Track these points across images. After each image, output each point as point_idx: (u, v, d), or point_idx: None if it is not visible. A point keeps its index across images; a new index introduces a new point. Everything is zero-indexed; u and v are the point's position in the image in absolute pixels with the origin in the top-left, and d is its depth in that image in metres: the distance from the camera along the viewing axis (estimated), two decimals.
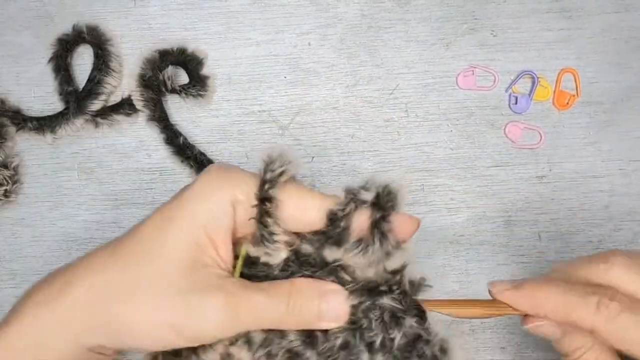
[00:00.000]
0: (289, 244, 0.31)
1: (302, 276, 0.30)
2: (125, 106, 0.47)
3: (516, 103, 0.45)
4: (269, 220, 0.30)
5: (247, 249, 0.31)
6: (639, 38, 0.45)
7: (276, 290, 0.30)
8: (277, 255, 0.30)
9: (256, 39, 0.47)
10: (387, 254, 0.29)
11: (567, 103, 0.45)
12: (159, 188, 0.47)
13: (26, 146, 0.48)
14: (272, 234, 0.30)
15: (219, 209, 0.30)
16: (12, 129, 0.47)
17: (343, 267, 0.30)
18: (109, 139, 0.47)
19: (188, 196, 0.30)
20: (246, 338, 0.30)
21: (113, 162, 0.47)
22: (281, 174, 0.29)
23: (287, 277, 0.31)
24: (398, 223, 0.29)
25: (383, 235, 0.29)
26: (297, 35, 0.47)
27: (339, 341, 0.30)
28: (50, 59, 0.47)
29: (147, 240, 0.30)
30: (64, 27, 0.48)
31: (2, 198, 0.46)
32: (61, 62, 0.47)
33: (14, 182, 0.47)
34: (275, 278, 0.31)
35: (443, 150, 0.45)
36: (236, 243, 0.32)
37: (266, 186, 0.29)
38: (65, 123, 0.46)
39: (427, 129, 0.46)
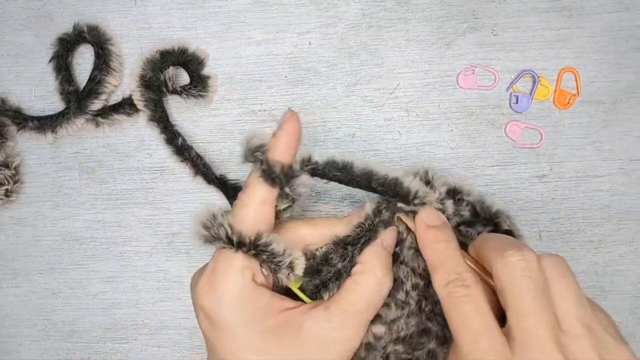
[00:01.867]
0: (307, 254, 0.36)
1: (364, 244, 0.36)
2: (126, 106, 0.47)
3: (517, 102, 0.45)
4: (266, 255, 0.34)
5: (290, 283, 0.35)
6: (639, 37, 0.45)
7: (363, 284, 0.34)
8: (299, 266, 0.34)
9: (257, 38, 0.47)
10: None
11: (568, 102, 0.45)
12: (160, 187, 0.47)
13: (27, 146, 0.48)
14: (276, 260, 0.34)
15: (251, 302, 0.33)
16: (13, 129, 0.47)
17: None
18: (110, 138, 0.47)
19: (227, 329, 0.32)
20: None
21: (114, 161, 0.47)
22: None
23: (350, 262, 0.36)
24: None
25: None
26: (297, 34, 0.47)
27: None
28: (51, 59, 0.47)
29: None
30: (64, 26, 0.48)
31: (3, 197, 0.46)
32: (62, 61, 0.47)
33: (15, 182, 0.47)
34: (341, 270, 0.36)
35: (443, 149, 0.46)
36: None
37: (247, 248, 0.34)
38: (66, 123, 0.46)
39: (428, 128, 0.46)
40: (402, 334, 0.35)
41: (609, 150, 0.45)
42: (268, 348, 0.32)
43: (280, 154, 0.34)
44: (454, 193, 0.37)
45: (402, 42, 0.46)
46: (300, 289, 0.36)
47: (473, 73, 0.46)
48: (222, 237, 0.33)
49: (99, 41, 0.47)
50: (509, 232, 0.37)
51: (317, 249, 0.36)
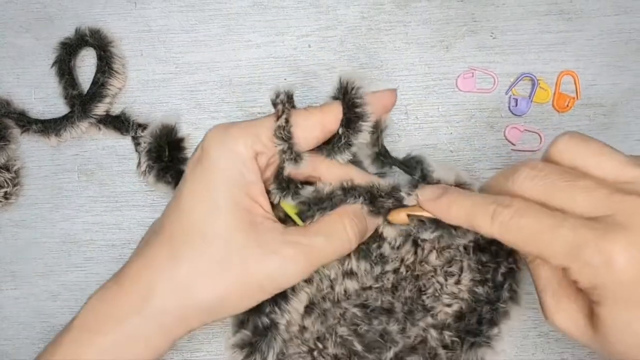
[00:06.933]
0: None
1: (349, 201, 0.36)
2: (122, 122, 0.47)
3: (516, 105, 0.45)
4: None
5: (285, 204, 0.37)
6: (639, 40, 0.45)
7: (330, 228, 0.35)
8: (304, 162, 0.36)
9: (256, 41, 0.47)
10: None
11: (567, 105, 0.45)
12: (159, 190, 0.47)
13: (27, 148, 0.48)
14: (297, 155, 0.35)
15: (245, 168, 0.34)
16: (16, 131, 0.47)
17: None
18: (110, 140, 0.47)
19: (211, 169, 0.34)
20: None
21: (113, 163, 0.47)
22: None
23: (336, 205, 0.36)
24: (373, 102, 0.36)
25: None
26: (297, 37, 0.47)
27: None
28: (54, 63, 0.47)
29: (197, 227, 0.33)
30: (65, 29, 0.48)
31: (2, 200, 0.46)
32: (65, 66, 0.47)
33: (15, 185, 0.47)
34: (326, 208, 0.36)
35: (443, 152, 0.46)
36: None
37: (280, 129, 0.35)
38: (70, 126, 0.46)
39: (427, 131, 0.46)
40: (369, 303, 0.38)
41: None
42: (228, 205, 0.33)
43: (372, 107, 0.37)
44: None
45: (401, 45, 0.46)
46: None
47: (472, 76, 0.46)
48: (278, 109, 0.36)
49: (101, 44, 0.47)
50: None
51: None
